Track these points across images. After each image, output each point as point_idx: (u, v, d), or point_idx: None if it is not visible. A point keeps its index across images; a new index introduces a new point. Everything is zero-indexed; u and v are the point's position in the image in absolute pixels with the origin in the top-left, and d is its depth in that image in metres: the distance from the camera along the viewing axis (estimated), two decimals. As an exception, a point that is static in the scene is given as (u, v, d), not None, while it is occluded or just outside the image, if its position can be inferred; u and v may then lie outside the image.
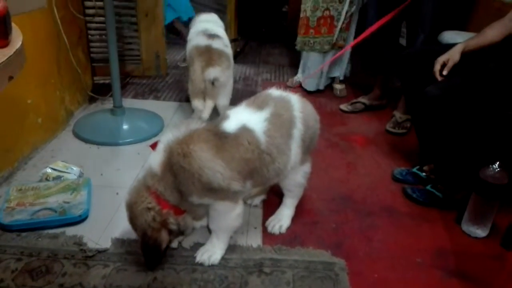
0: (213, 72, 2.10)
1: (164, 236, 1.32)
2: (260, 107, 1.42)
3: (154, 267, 1.38)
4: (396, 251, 1.55)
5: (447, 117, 1.62)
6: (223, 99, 2.21)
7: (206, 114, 2.16)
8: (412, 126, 2.35)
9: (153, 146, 1.37)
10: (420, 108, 1.75)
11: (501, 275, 1.48)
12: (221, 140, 1.30)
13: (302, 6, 2.80)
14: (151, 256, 1.34)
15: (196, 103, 2.20)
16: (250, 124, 1.36)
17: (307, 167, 1.58)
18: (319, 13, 2.73)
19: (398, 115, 2.48)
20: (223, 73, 2.13)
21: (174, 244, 1.46)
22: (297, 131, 1.45)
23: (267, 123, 1.38)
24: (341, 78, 2.97)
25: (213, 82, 2.11)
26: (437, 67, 1.72)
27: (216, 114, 2.19)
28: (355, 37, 2.76)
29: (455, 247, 1.58)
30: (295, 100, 1.50)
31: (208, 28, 2.33)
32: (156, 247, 1.31)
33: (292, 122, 1.44)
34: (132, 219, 1.34)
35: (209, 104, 2.17)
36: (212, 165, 1.26)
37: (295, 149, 1.45)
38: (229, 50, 2.27)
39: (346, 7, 2.69)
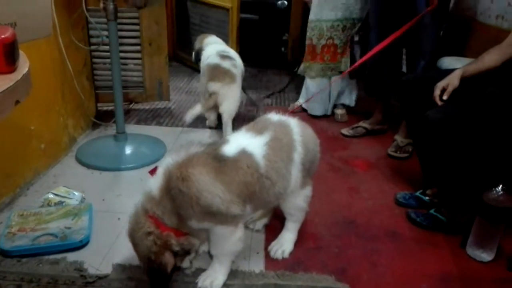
0: (213, 86, 2.47)
1: (168, 258, 1.29)
2: (259, 131, 1.43)
3: None
4: (400, 276, 1.53)
5: (449, 140, 1.62)
6: (227, 106, 2.50)
7: (212, 119, 2.67)
8: (414, 150, 2.36)
9: (152, 172, 1.37)
10: (422, 132, 1.76)
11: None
12: (220, 163, 1.31)
13: (308, 35, 2.89)
14: (157, 281, 1.32)
15: (207, 114, 2.64)
16: (250, 148, 1.36)
17: (308, 191, 1.58)
18: (323, 41, 2.82)
19: (399, 139, 2.49)
20: (223, 88, 2.47)
21: (186, 263, 1.43)
22: (297, 155, 1.46)
23: (267, 147, 1.39)
24: (352, 105, 3.01)
25: (211, 94, 2.49)
26: (437, 92, 1.74)
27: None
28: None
29: (461, 271, 1.56)
30: (294, 124, 1.52)
31: (223, 49, 2.71)
32: (161, 271, 1.29)
33: (292, 145, 1.45)
34: (135, 247, 1.32)
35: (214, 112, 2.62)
36: (211, 189, 1.25)
37: (295, 173, 1.46)
38: (236, 70, 2.57)
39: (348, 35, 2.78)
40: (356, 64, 2.53)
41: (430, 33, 2.29)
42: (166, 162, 1.32)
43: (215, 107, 2.52)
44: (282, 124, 1.50)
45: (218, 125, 2.72)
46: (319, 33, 2.81)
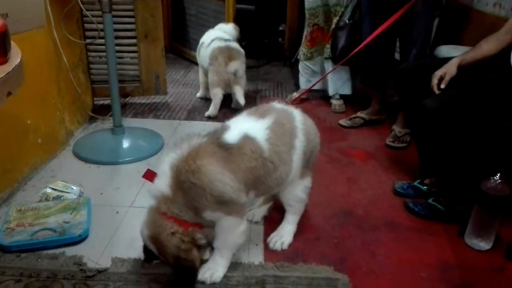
0: (234, 65, 2.72)
1: (195, 254, 1.31)
2: (261, 115, 1.43)
3: None
4: (400, 266, 1.53)
5: (446, 129, 1.62)
6: (243, 81, 2.84)
7: (241, 100, 2.76)
8: (412, 140, 2.36)
9: (147, 176, 1.33)
10: (419, 121, 1.75)
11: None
12: (226, 152, 1.31)
13: (311, 21, 2.89)
14: (188, 278, 1.32)
15: (217, 90, 2.76)
16: (252, 133, 1.37)
17: (307, 182, 1.58)
18: (332, 25, 2.82)
19: (397, 129, 2.48)
20: (241, 66, 2.77)
21: (206, 255, 1.45)
22: (299, 142, 1.46)
23: (269, 131, 1.39)
24: (349, 93, 3.01)
25: (235, 74, 2.73)
26: (435, 81, 1.73)
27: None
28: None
29: (459, 260, 1.57)
30: (297, 113, 1.53)
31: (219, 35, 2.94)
32: (191, 268, 1.30)
33: (294, 132, 1.46)
34: (160, 250, 1.30)
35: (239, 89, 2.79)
36: (222, 178, 1.26)
37: (296, 160, 1.46)
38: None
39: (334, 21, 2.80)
40: (352, 53, 2.53)
41: (421, 22, 2.29)
42: (170, 158, 1.30)
43: (226, 86, 2.76)
44: (285, 111, 1.51)
45: (216, 117, 2.75)
46: (323, 17, 2.83)
